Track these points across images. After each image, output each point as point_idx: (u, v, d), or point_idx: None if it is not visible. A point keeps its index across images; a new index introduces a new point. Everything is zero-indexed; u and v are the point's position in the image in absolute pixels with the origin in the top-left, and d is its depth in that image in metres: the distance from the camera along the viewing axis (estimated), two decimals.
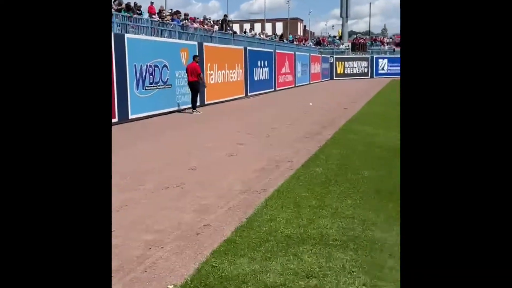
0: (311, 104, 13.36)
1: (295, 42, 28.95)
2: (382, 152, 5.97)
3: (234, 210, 3.73)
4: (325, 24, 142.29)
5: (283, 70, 21.24)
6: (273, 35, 27.74)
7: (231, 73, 15.19)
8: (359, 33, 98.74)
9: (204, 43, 13.48)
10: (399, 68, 34.39)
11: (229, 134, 8.07)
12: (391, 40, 41.87)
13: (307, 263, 2.68)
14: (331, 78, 31.84)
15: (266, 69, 18.82)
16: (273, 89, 19.62)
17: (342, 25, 36.08)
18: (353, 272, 2.57)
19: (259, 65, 17.88)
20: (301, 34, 58.59)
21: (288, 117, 10.40)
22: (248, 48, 16.95)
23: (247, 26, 59.67)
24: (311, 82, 26.47)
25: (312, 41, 33.97)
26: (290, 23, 61.48)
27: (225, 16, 17.75)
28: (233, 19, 72.32)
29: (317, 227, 3.26)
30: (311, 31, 68.58)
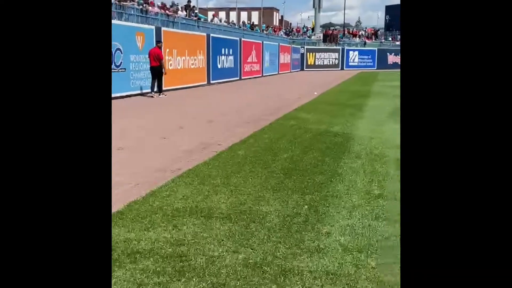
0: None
1: (265, 32, 28.95)
2: (310, 137, 6.16)
3: (140, 187, 3.85)
4: (300, 15, 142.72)
5: (250, 59, 21.27)
6: (242, 23, 27.65)
7: (192, 59, 15.16)
8: (338, 25, 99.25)
9: (163, 28, 13.41)
10: (369, 60, 35.20)
11: (175, 118, 8.14)
12: (363, 32, 42.38)
13: (182, 233, 2.83)
14: (302, 69, 32.04)
15: (231, 57, 18.82)
16: (238, 78, 19.67)
17: (315, 16, 36.27)
18: (222, 240, 2.73)
19: (223, 53, 17.87)
20: (277, 24, 58.65)
21: (240, 103, 10.53)
22: (212, 35, 16.92)
23: (222, 14, 59.33)
24: (279, 72, 26.59)
25: (284, 31, 34.00)
26: (266, 12, 61.37)
27: (189, 2, 17.64)
28: (211, 7, 71.41)
29: (210, 202, 3.41)
30: (285, 21, 68.57)
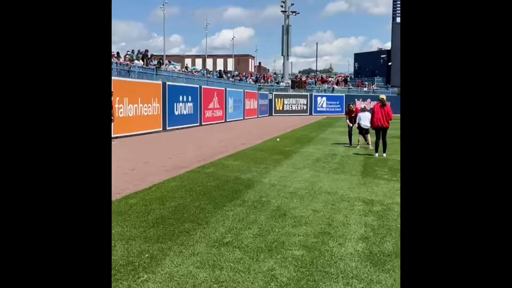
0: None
1: (231, 79, 29.89)
2: (214, 185, 6.40)
3: None
4: (274, 61, 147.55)
5: (211, 106, 21.81)
6: (206, 71, 28.53)
7: (145, 107, 15.55)
8: (318, 70, 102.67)
9: (113, 77, 13.85)
10: (337, 105, 36.36)
11: None
12: (333, 79, 43.96)
13: None
14: (270, 114, 32.80)
15: (190, 104, 19.30)
16: (198, 124, 20.07)
17: (283, 64, 37.67)
18: None
19: (181, 100, 18.37)
20: (253, 70, 60.54)
21: (177, 150, 10.79)
22: (168, 83, 17.45)
23: (199, 61, 61.10)
24: (245, 117, 27.19)
25: (253, 78, 35.14)
26: (242, 59, 63.38)
27: (146, 51, 18.29)
28: (190, 54, 73.47)
29: None
30: (263, 67, 70.74)
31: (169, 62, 22.21)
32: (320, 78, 41.94)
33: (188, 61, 62.78)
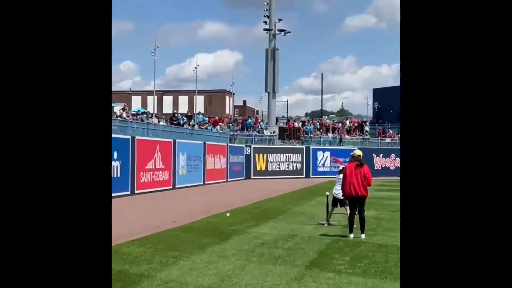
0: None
1: (187, 126, 30.52)
2: None
3: None
4: (259, 100, 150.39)
5: (150, 165, 21.98)
6: (143, 114, 29.18)
7: None
8: (331, 113, 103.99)
9: None
10: (344, 163, 36.90)
11: None
12: (343, 124, 44.68)
13: None
14: (248, 177, 33.05)
15: (117, 163, 19.27)
16: (129, 192, 20.02)
17: (268, 103, 38.53)
18: None
19: None
20: (229, 112, 61.72)
21: None
22: None
23: (151, 100, 62.32)
24: (206, 182, 27.42)
25: (220, 124, 35.35)
26: (215, 96, 64.87)
27: None
28: (146, 90, 74.94)
29: None
30: (248, 107, 72.10)
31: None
32: (323, 124, 42.84)
33: (137, 100, 64.06)
